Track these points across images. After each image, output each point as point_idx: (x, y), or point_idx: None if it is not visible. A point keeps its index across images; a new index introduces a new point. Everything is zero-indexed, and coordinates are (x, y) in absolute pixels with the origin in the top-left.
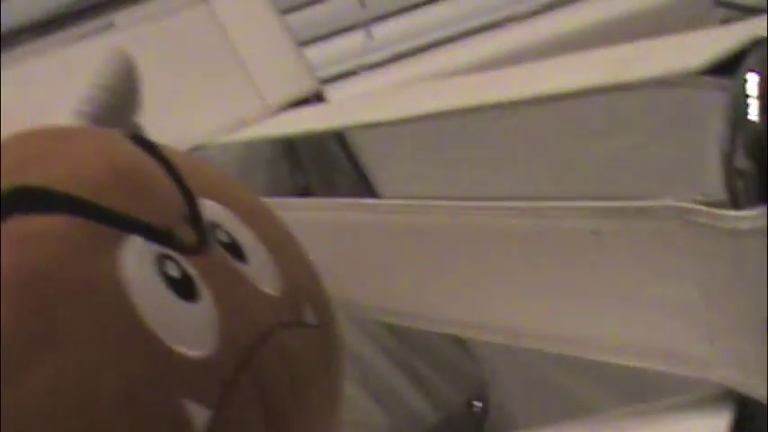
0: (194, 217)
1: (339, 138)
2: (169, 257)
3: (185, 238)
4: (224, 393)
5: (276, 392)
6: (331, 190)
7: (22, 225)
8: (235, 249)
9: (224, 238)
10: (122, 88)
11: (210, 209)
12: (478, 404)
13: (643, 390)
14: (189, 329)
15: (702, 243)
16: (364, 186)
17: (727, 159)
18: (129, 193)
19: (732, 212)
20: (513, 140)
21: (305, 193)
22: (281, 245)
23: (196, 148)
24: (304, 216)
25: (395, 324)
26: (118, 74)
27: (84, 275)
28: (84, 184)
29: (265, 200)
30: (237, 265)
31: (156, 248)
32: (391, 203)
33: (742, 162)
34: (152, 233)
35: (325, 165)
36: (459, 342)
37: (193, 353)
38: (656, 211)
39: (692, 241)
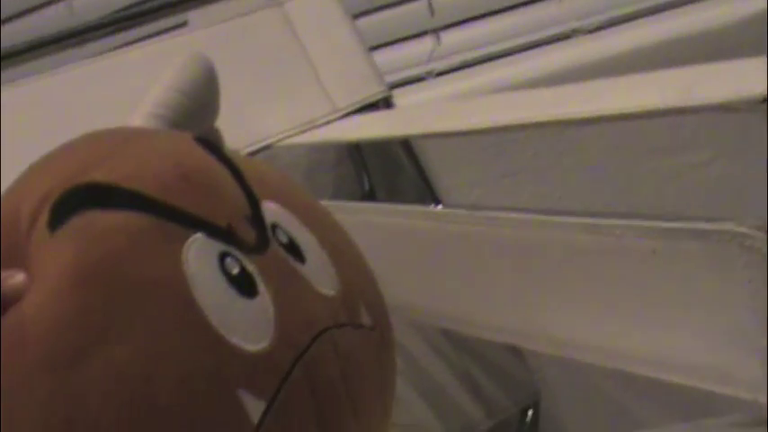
0: (255, 217)
1: (405, 143)
2: (230, 255)
3: (246, 236)
4: (279, 387)
5: (328, 388)
6: (394, 194)
7: (90, 221)
8: (294, 250)
9: (283, 239)
10: (201, 93)
11: (271, 210)
12: (531, 413)
13: (696, 408)
14: (247, 324)
15: (757, 268)
16: (427, 192)
17: None
18: (194, 193)
19: None
20: (577, 153)
21: (369, 196)
22: (340, 248)
23: (264, 149)
24: (367, 220)
25: (452, 330)
26: (197, 78)
27: (148, 270)
28: (150, 183)
29: (330, 203)
30: (296, 265)
31: (217, 246)
32: (454, 213)
33: None
34: (214, 231)
35: (390, 169)
36: (515, 351)
37: (251, 347)
38: (715, 234)
39: (748, 266)
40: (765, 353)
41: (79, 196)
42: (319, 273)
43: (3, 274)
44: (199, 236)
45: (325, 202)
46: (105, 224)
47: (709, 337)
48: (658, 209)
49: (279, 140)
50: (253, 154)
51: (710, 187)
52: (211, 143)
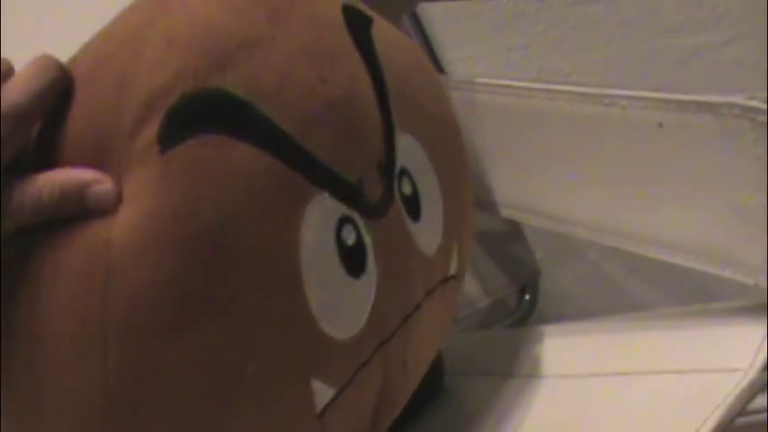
0: (387, 165)
1: (411, 13)
2: (350, 221)
3: (372, 195)
4: (354, 375)
5: (398, 370)
6: None
7: (209, 153)
8: (413, 204)
9: (407, 190)
10: None
11: (404, 149)
12: (529, 293)
13: (693, 293)
14: (345, 311)
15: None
16: (432, 62)
17: None
18: (335, 134)
19: None
20: (588, 29)
21: None
22: (457, 186)
23: None
24: None
25: None
26: None
27: (263, 240)
28: (292, 112)
29: None
30: (411, 225)
31: (340, 209)
32: (456, 80)
33: None
34: (342, 190)
35: None
36: (516, 229)
37: (341, 336)
38: (722, 107)
39: (758, 143)
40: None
41: (206, 108)
42: (429, 231)
43: (90, 175)
44: (325, 195)
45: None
46: (226, 163)
47: (713, 217)
48: (672, 90)
49: None
50: None
51: (727, 69)
52: (361, 21)
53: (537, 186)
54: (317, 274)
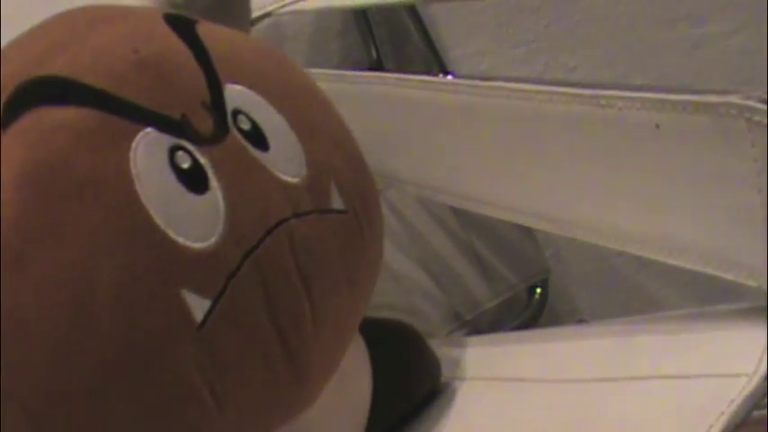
0: (215, 103)
1: (412, 12)
2: (182, 148)
3: (201, 126)
4: (225, 285)
5: (281, 282)
6: (402, 63)
7: (39, 118)
8: (256, 137)
9: (245, 126)
10: None
11: (236, 94)
12: (539, 290)
13: (706, 286)
14: (194, 221)
15: (765, 145)
16: (435, 61)
17: None
18: (150, 83)
19: None
20: (593, 22)
21: (376, 65)
22: (314, 127)
23: (266, 15)
24: (370, 90)
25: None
26: None
27: (92, 169)
28: (105, 74)
29: (332, 72)
30: (256, 153)
31: (169, 140)
32: (453, 82)
33: None
34: (166, 124)
35: (398, 38)
36: (523, 228)
37: (197, 245)
38: (719, 107)
39: (755, 142)
40: None
41: (32, 91)
42: (284, 159)
43: None
44: (149, 130)
45: (329, 71)
46: (53, 122)
47: (712, 218)
48: (677, 81)
49: (279, 7)
50: (253, 23)
51: (733, 60)
52: (183, 20)
53: (536, 188)
54: (155, 194)
